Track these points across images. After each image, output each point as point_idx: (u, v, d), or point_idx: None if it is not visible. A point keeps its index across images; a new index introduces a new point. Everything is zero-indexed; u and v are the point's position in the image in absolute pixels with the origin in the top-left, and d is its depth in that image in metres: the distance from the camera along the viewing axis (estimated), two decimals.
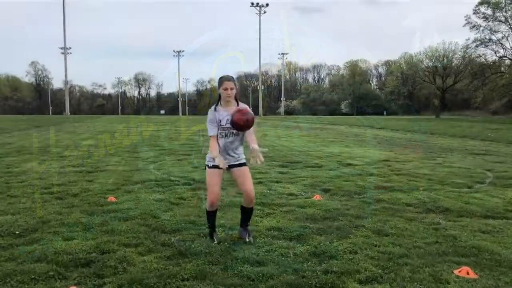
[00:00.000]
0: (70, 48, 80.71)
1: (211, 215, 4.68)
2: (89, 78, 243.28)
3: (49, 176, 8.79)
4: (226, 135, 4.49)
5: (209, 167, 4.52)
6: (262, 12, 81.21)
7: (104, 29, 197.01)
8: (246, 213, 4.71)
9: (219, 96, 4.51)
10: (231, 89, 4.43)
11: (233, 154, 4.55)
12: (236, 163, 4.55)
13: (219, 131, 4.49)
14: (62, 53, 78.06)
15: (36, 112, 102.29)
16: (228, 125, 4.45)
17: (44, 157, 12.04)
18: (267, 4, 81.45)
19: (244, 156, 4.63)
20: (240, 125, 4.38)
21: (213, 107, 4.54)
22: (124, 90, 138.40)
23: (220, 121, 4.47)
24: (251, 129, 4.48)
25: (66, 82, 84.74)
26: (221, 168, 4.34)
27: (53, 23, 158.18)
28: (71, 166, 10.21)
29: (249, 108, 4.55)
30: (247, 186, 4.52)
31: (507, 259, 4.18)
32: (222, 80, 4.46)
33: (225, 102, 4.50)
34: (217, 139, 4.49)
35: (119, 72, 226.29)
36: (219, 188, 4.58)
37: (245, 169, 4.57)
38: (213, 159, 4.37)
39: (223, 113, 4.48)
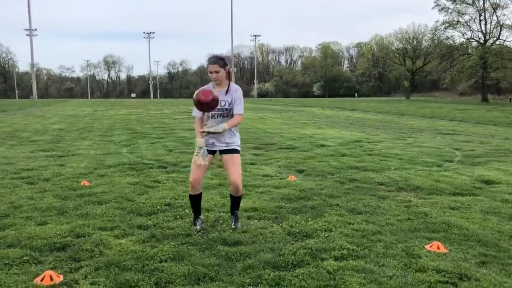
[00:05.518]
0: (36, 30, 78.39)
1: (193, 198, 4.48)
2: (57, 61, 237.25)
3: (18, 160, 8.58)
4: (213, 116, 4.27)
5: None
6: None
7: (71, 10, 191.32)
8: (233, 201, 4.55)
9: None
10: (216, 72, 4.16)
11: (223, 139, 4.29)
12: (226, 148, 4.33)
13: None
14: (27, 34, 75.63)
15: (1, 96, 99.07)
16: (219, 106, 4.19)
17: (12, 141, 11.72)
18: None
19: (238, 143, 4.40)
20: (203, 105, 4.06)
21: (208, 86, 4.30)
22: (93, 73, 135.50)
23: None
24: (235, 115, 4.24)
25: (32, 65, 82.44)
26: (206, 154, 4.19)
27: (18, 2, 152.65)
28: (41, 151, 9.98)
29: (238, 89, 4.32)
30: (233, 176, 4.29)
31: (474, 234, 4.34)
32: (207, 63, 4.20)
33: (215, 85, 4.28)
34: (203, 120, 4.31)
35: (88, 55, 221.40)
36: (202, 172, 4.34)
37: (233, 156, 4.31)
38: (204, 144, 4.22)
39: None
